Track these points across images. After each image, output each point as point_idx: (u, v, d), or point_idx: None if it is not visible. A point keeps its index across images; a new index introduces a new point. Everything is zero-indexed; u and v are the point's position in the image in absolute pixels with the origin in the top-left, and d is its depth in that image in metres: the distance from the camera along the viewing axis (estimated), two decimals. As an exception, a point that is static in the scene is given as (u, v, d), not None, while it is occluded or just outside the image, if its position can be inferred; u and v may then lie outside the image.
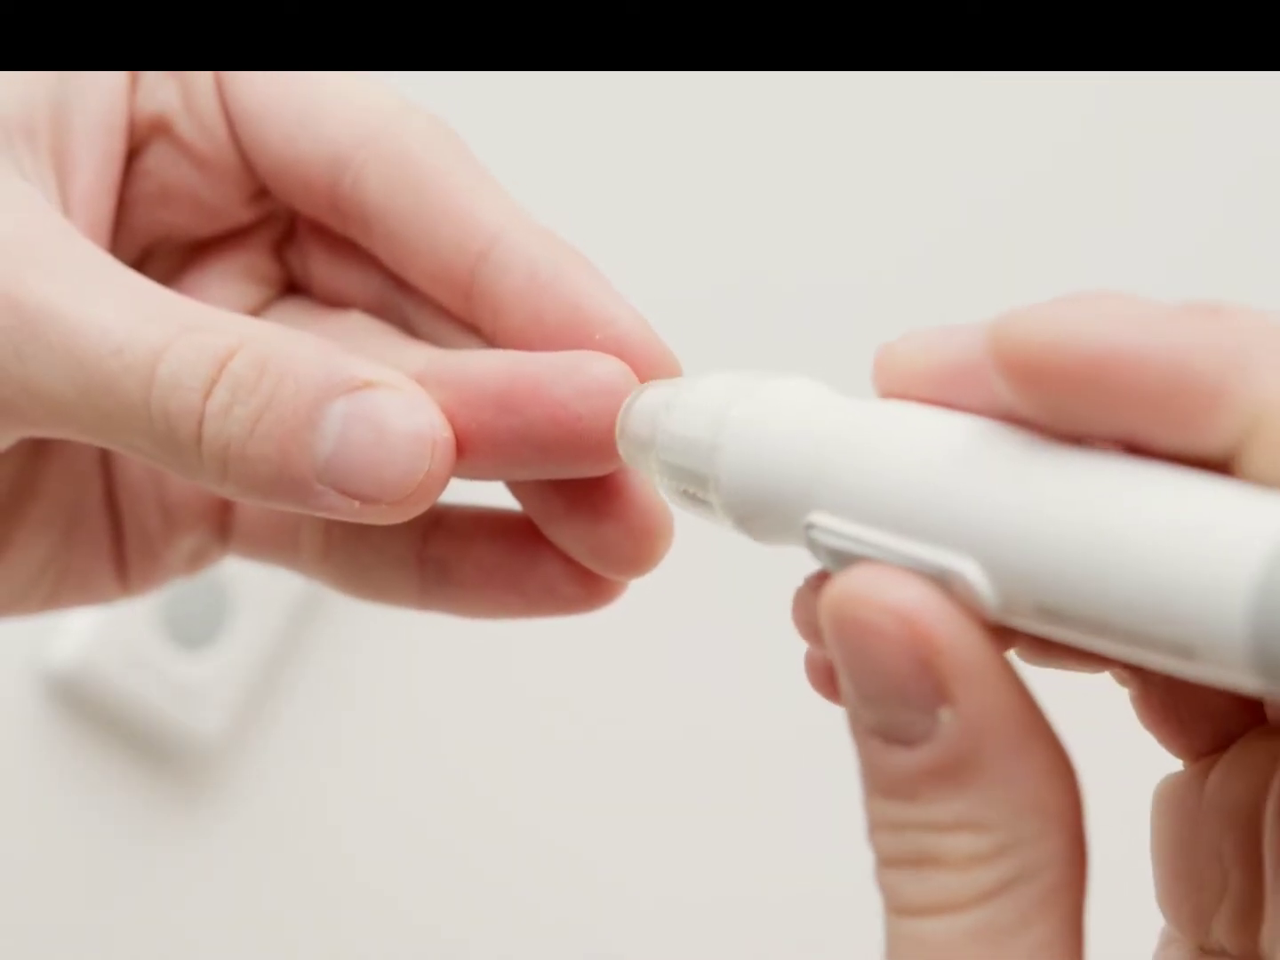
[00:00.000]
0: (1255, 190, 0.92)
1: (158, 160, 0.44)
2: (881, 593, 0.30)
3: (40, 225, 0.40)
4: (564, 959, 0.86)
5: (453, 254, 0.42)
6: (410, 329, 0.44)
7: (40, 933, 0.79)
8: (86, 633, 0.78)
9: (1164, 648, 0.28)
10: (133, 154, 0.44)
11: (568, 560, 0.42)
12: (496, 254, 0.41)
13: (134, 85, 0.44)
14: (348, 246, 0.44)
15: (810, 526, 0.33)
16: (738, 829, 0.87)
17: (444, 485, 0.39)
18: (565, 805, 0.86)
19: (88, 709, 0.79)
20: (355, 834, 0.84)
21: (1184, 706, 0.35)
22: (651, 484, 0.40)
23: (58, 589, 0.47)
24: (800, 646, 0.35)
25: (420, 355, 0.42)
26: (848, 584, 0.30)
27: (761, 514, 0.34)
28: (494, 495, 0.43)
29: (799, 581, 0.35)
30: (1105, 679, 0.36)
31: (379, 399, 0.38)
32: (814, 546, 0.33)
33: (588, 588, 0.43)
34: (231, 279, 0.46)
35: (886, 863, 0.31)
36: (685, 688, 0.86)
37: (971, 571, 0.30)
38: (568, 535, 0.41)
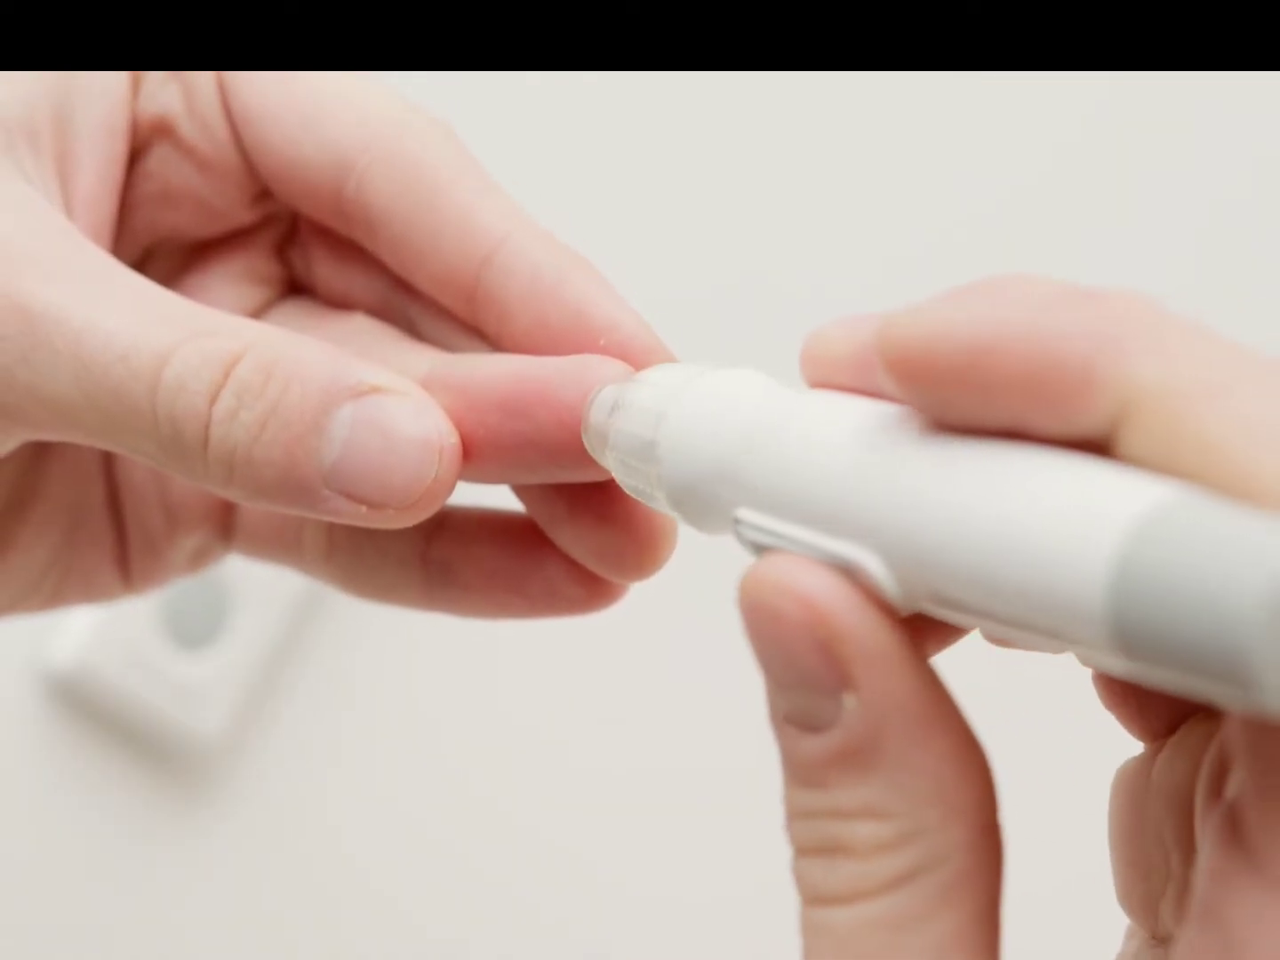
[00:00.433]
0: (1255, 190, 0.92)
1: (160, 162, 0.44)
2: (786, 579, 0.31)
3: (44, 228, 0.40)
4: (564, 959, 0.86)
5: (457, 258, 0.42)
6: (414, 331, 0.44)
7: (40, 933, 0.79)
8: (86, 632, 0.78)
9: (1041, 630, 0.29)
10: (135, 156, 0.44)
11: (570, 562, 0.42)
12: (501, 259, 0.41)
13: (136, 87, 0.44)
14: (351, 248, 0.44)
15: (737, 522, 0.33)
16: (738, 829, 0.87)
17: (450, 490, 0.39)
18: (565, 805, 0.86)
19: (88, 709, 0.79)
20: (355, 834, 0.84)
21: (1140, 687, 0.35)
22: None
23: (61, 587, 0.47)
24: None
25: (424, 358, 0.42)
26: (757, 571, 0.31)
27: (699, 511, 0.35)
28: (498, 496, 0.43)
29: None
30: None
31: (385, 404, 0.38)
32: (742, 541, 0.34)
33: (590, 589, 0.43)
34: (233, 280, 0.46)
35: (800, 851, 0.32)
36: (686, 688, 0.86)
37: (871, 562, 0.30)
38: (572, 538, 0.42)
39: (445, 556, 0.44)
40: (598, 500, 0.41)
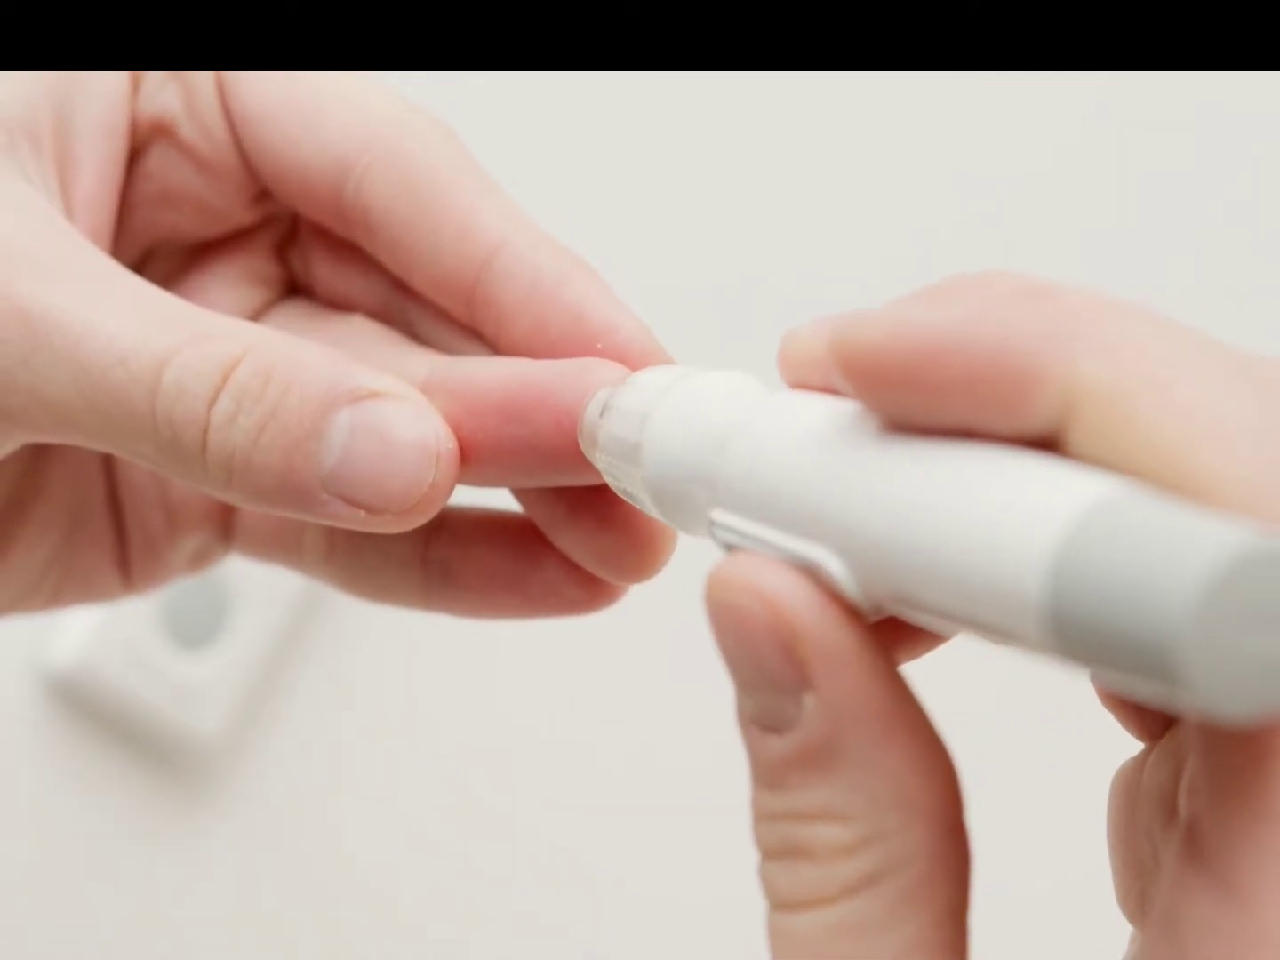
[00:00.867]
0: (1255, 190, 0.92)
1: (159, 163, 0.44)
2: (749, 578, 0.31)
3: (45, 230, 0.40)
4: (563, 959, 0.86)
5: (456, 261, 0.42)
6: (413, 333, 0.44)
7: (40, 933, 0.79)
8: (86, 633, 0.78)
9: (990, 628, 0.29)
10: (134, 156, 0.44)
11: (570, 563, 0.42)
12: (500, 262, 0.41)
13: (136, 88, 0.44)
14: (350, 250, 0.44)
15: (712, 523, 0.34)
16: (738, 829, 0.87)
17: (448, 495, 0.39)
18: (566, 805, 0.86)
19: (88, 709, 0.79)
20: (355, 834, 0.83)
21: None
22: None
23: (61, 587, 0.47)
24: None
25: (423, 361, 0.42)
26: (722, 570, 0.31)
27: (679, 513, 0.36)
28: (497, 497, 0.43)
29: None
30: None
31: (384, 409, 0.38)
32: (717, 542, 0.34)
33: (590, 590, 0.43)
34: (233, 281, 0.46)
35: (765, 855, 0.32)
36: (686, 688, 0.86)
37: (831, 562, 0.31)
38: (571, 541, 0.42)
39: (445, 557, 0.44)
40: (597, 503, 0.41)
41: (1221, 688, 0.26)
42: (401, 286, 0.44)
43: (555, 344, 0.40)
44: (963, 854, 0.31)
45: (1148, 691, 0.27)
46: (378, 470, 0.38)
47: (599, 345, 0.40)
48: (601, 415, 0.38)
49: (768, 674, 0.31)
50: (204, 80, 0.44)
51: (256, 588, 0.81)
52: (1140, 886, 0.35)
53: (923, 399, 0.30)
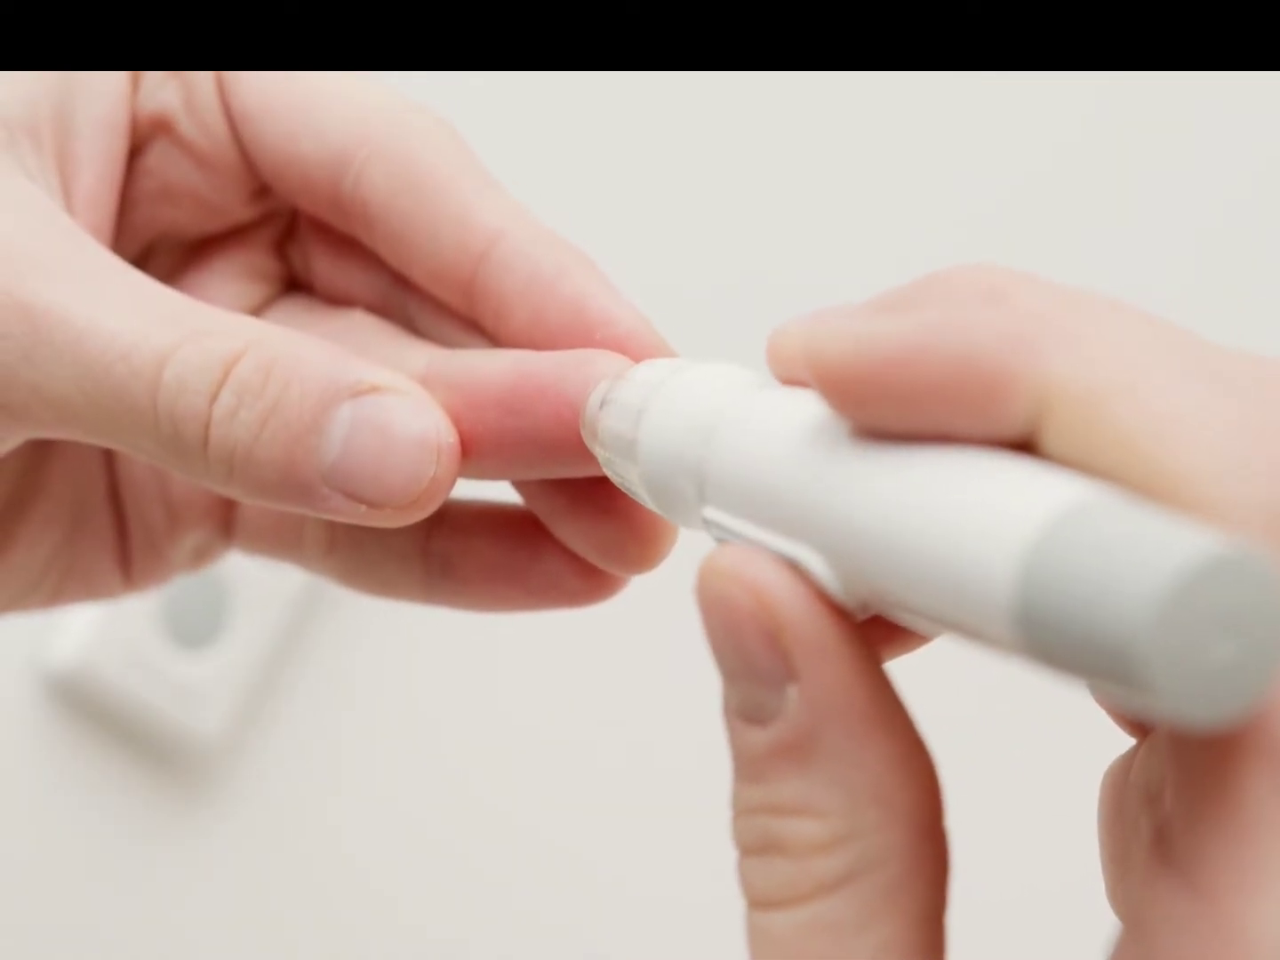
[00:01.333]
0: (1255, 190, 0.92)
1: (159, 159, 0.45)
2: (739, 567, 0.31)
3: (47, 227, 0.41)
4: (563, 959, 0.86)
5: (455, 253, 0.42)
6: (412, 327, 0.44)
7: (40, 933, 0.79)
8: (86, 632, 0.78)
9: (967, 630, 0.29)
10: (134, 153, 0.45)
11: (570, 554, 0.42)
12: (498, 254, 0.41)
13: (135, 85, 0.44)
14: (350, 244, 0.45)
15: (705, 520, 0.34)
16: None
17: (449, 489, 0.39)
18: (566, 805, 0.86)
19: (88, 709, 0.79)
20: (355, 834, 0.83)
21: None
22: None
23: (62, 585, 0.47)
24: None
25: (423, 355, 0.42)
26: (712, 559, 0.31)
27: (676, 508, 0.36)
28: (497, 490, 0.43)
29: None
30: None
31: (384, 403, 0.38)
32: (714, 538, 0.34)
33: (591, 581, 0.43)
34: (233, 277, 0.46)
35: (743, 851, 0.32)
36: (686, 687, 0.86)
37: (813, 561, 0.31)
38: (573, 532, 0.42)
39: (445, 550, 0.44)
40: (598, 494, 0.41)
41: (1185, 692, 0.26)
42: (401, 280, 0.44)
43: (554, 335, 0.41)
44: (941, 855, 0.31)
45: (1117, 695, 0.27)
46: (378, 464, 0.38)
47: (598, 336, 0.40)
48: (601, 409, 0.38)
49: (752, 664, 0.31)
50: (203, 77, 0.44)
51: (256, 587, 0.81)
52: (1127, 883, 0.35)
53: (895, 409, 0.30)
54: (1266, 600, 0.26)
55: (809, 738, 0.30)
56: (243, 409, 0.38)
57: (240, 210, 0.45)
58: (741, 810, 0.32)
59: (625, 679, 0.87)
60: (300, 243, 0.46)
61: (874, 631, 0.33)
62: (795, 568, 0.31)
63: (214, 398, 0.38)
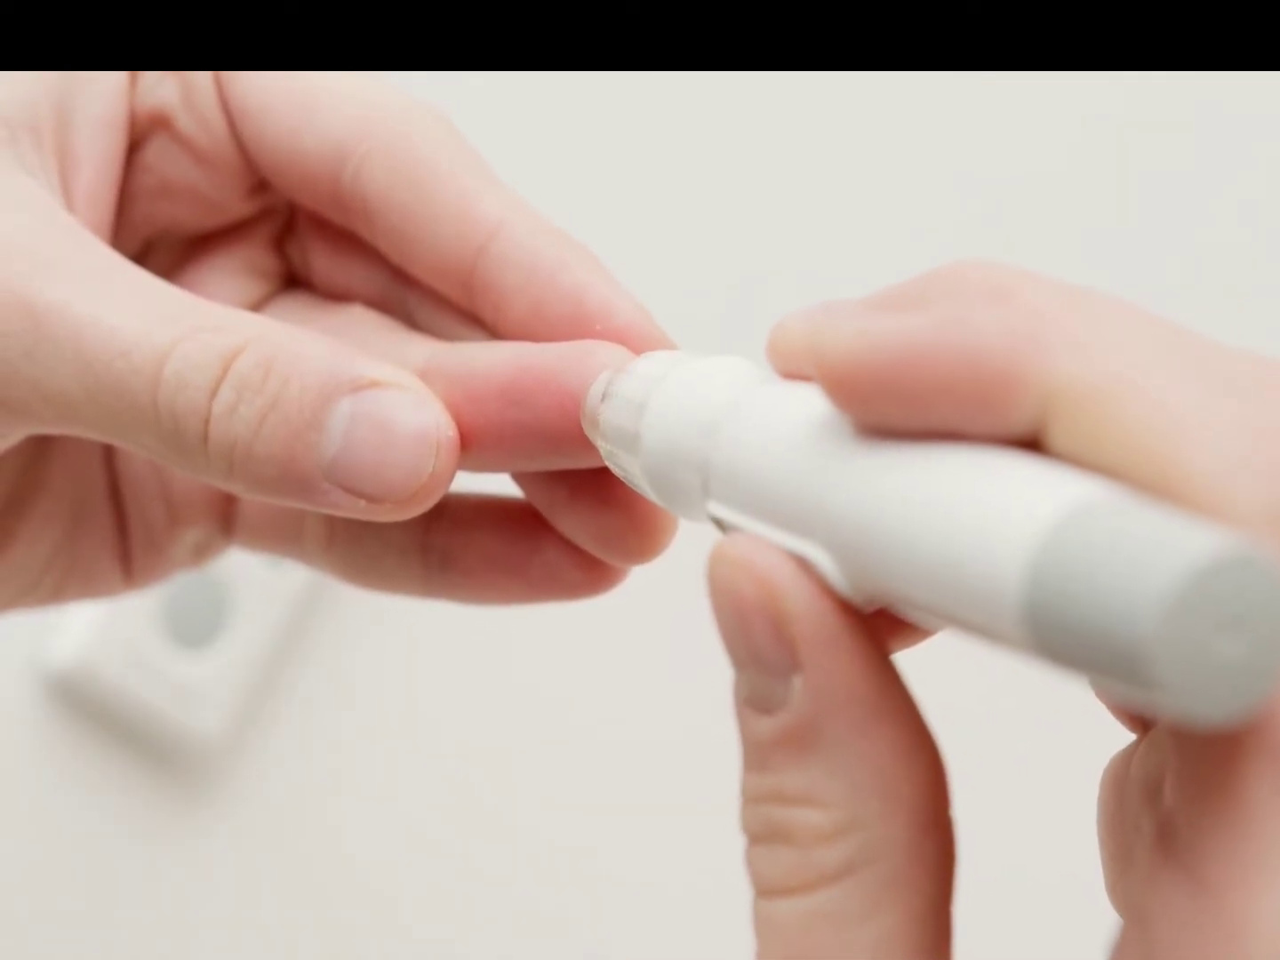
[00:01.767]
0: (1255, 190, 0.92)
1: (157, 155, 0.45)
2: (747, 556, 0.31)
3: (48, 224, 0.41)
4: (564, 959, 0.86)
5: (454, 246, 0.42)
6: (412, 322, 0.44)
7: (40, 932, 0.79)
8: (86, 632, 0.78)
9: (974, 628, 0.29)
10: (133, 149, 0.45)
11: (570, 546, 0.42)
12: (497, 246, 0.41)
13: (134, 81, 0.44)
14: (349, 240, 0.45)
15: (711, 515, 0.34)
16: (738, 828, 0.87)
17: (449, 483, 0.39)
18: (567, 805, 0.86)
19: (87, 709, 0.79)
20: (355, 834, 0.83)
21: None
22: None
23: (63, 582, 0.47)
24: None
25: (423, 349, 0.42)
26: (720, 548, 0.32)
27: (679, 502, 0.36)
28: (497, 483, 0.43)
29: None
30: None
31: (384, 398, 0.38)
32: (720, 528, 0.34)
33: (591, 573, 0.43)
34: (232, 273, 0.46)
35: (750, 839, 0.32)
36: (688, 684, 0.86)
37: (820, 558, 0.31)
38: (573, 523, 0.42)
39: (445, 543, 0.44)
40: (599, 485, 0.41)
41: (1192, 690, 0.26)
42: (400, 275, 0.44)
43: (554, 327, 0.41)
44: (946, 847, 0.31)
45: (1124, 693, 0.27)
46: (378, 459, 0.38)
47: (598, 328, 0.40)
48: (602, 401, 0.38)
49: (759, 654, 0.31)
50: (202, 73, 0.44)
51: (257, 587, 0.81)
52: (1128, 878, 0.35)
53: (901, 407, 0.30)
54: (1272, 599, 0.26)
55: (812, 728, 0.31)
56: (242, 405, 0.38)
57: (239, 206, 0.45)
58: (749, 798, 0.32)
59: (626, 677, 0.87)
60: (299, 238, 0.46)
61: (879, 623, 0.33)
62: (801, 562, 0.31)
63: (214, 393, 0.38)
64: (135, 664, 0.79)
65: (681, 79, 0.84)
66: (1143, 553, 0.26)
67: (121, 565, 0.47)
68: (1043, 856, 0.88)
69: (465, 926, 0.85)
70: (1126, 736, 0.36)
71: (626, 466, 0.37)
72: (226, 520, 0.47)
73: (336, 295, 0.46)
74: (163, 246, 0.46)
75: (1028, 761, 0.88)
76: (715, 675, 0.90)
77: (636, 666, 0.87)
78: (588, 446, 0.39)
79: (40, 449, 0.46)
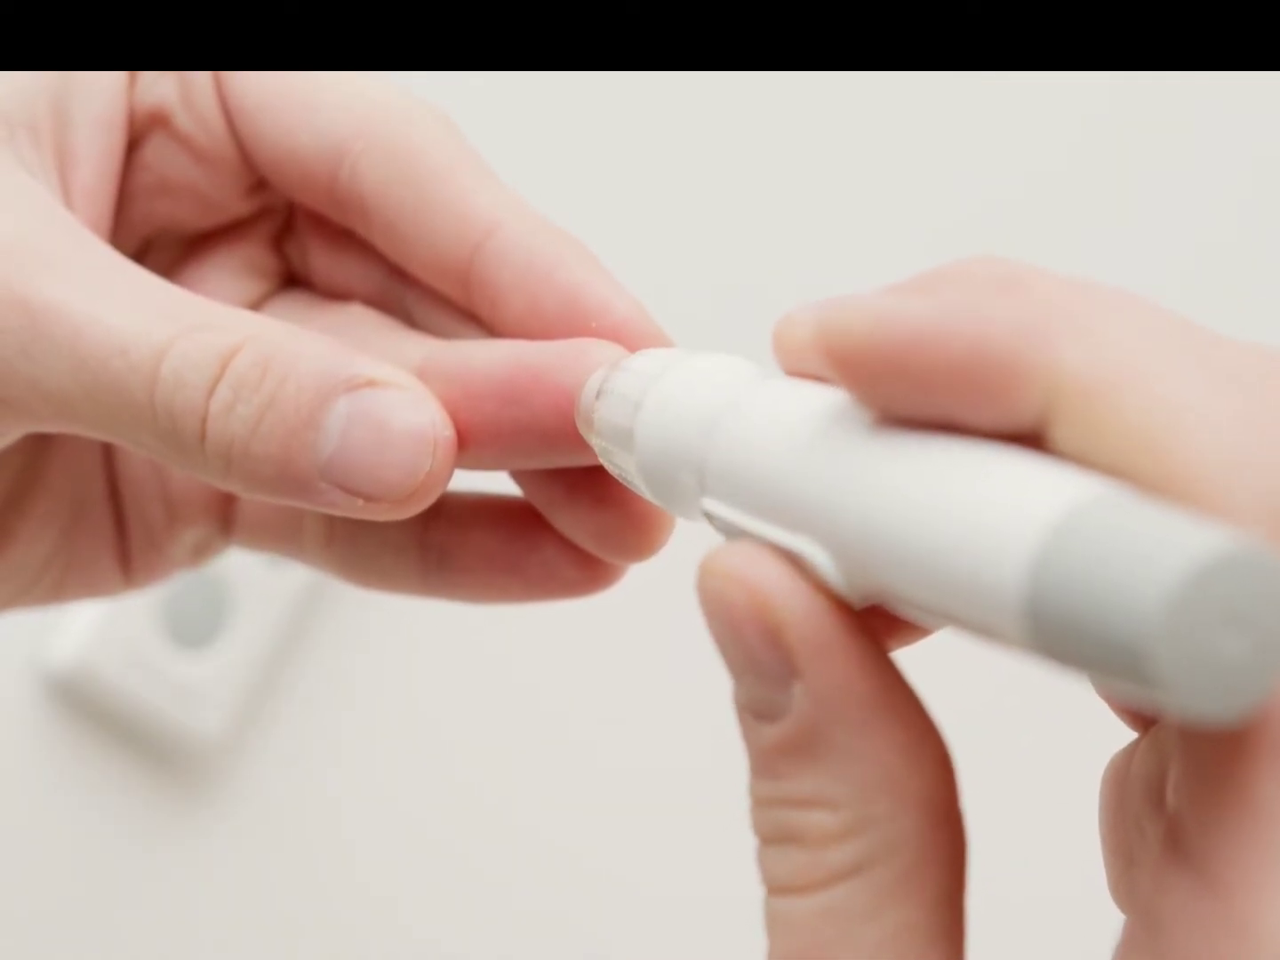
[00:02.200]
0: (1255, 190, 0.92)
1: (156, 153, 0.45)
2: (736, 566, 0.31)
3: (46, 221, 0.41)
4: (564, 959, 0.86)
5: (450, 244, 0.42)
6: (410, 320, 0.44)
7: (40, 932, 0.79)
8: (86, 632, 0.78)
9: (974, 627, 0.29)
10: (131, 147, 0.45)
11: (567, 544, 0.42)
12: (494, 243, 0.41)
13: (133, 79, 0.44)
14: (347, 238, 0.45)
15: (705, 512, 0.34)
16: (739, 828, 0.86)
17: (446, 482, 0.39)
18: (567, 805, 0.86)
19: (87, 709, 0.79)
20: (356, 834, 0.83)
21: None
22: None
23: (63, 581, 0.47)
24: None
25: (420, 347, 0.42)
26: (710, 559, 0.31)
27: (674, 500, 0.36)
28: (496, 480, 0.43)
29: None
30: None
31: (381, 398, 0.38)
32: (716, 530, 0.34)
33: (588, 570, 0.43)
34: (231, 272, 0.46)
35: (762, 841, 0.32)
36: (689, 685, 0.86)
37: (816, 554, 0.31)
38: (570, 521, 0.42)
39: (442, 541, 0.44)
40: (595, 483, 0.41)
41: (1195, 688, 0.26)
42: (398, 273, 0.44)
43: (550, 324, 0.40)
44: (956, 840, 0.31)
45: (1126, 691, 0.27)
46: (374, 459, 0.38)
47: (594, 325, 0.40)
48: (597, 399, 0.38)
49: (756, 663, 0.31)
50: (200, 71, 0.44)
51: (256, 587, 0.81)
52: (1131, 876, 0.35)
53: (906, 390, 0.30)
54: (1274, 597, 0.26)
55: (816, 734, 0.31)
56: (239, 404, 0.38)
57: (238, 205, 0.45)
58: (758, 802, 0.32)
59: (626, 678, 0.87)
60: (298, 238, 0.46)
61: (876, 621, 0.33)
62: (796, 562, 0.31)
63: (211, 392, 0.38)
64: (135, 664, 0.79)
65: (681, 79, 0.84)
66: (1144, 550, 0.26)
67: (121, 564, 0.47)
68: (1045, 853, 0.88)
69: (465, 926, 0.85)
70: (1128, 734, 0.36)
71: (621, 464, 0.37)
72: (226, 520, 0.47)
73: (335, 294, 0.45)
74: (162, 245, 0.46)
75: (1028, 759, 0.88)
76: (715, 674, 0.90)
77: (636, 666, 0.87)
78: (583, 445, 0.39)
79: (39, 448, 0.46)
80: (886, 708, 0.31)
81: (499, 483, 0.43)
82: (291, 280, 0.46)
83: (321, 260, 0.45)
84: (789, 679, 0.31)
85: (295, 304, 0.46)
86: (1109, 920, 0.38)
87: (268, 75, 0.44)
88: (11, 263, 0.39)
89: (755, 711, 0.31)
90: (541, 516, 0.42)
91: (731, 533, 0.33)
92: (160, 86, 0.44)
